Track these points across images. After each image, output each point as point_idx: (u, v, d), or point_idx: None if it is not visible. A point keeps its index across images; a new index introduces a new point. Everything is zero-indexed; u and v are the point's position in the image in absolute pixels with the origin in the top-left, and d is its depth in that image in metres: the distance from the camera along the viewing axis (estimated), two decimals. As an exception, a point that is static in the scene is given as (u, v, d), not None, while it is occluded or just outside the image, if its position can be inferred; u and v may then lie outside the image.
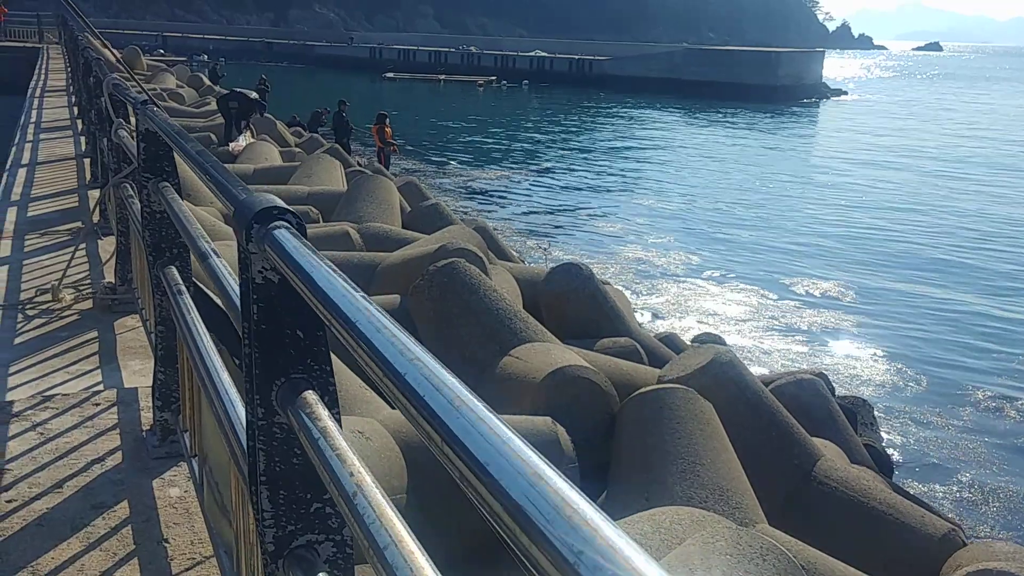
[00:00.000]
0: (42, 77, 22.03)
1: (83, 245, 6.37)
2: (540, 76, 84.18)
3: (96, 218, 7.16)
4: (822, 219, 27.14)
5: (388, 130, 22.01)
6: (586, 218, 25.68)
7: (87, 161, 9.78)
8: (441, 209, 11.92)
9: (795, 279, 20.60)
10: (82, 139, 11.22)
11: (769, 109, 64.80)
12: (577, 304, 10.53)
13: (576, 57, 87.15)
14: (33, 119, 13.70)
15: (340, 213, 11.87)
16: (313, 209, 11.96)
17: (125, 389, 3.85)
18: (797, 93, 75.24)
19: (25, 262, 5.90)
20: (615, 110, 62.41)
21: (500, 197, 27.17)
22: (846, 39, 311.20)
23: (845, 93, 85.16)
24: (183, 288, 3.35)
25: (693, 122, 56.26)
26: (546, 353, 7.20)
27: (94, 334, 4.63)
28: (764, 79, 73.58)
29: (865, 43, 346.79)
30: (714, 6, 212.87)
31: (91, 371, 4.13)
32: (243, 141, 16.68)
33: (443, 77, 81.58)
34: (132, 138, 4.23)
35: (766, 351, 16.34)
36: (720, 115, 60.27)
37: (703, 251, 22.79)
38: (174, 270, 3.48)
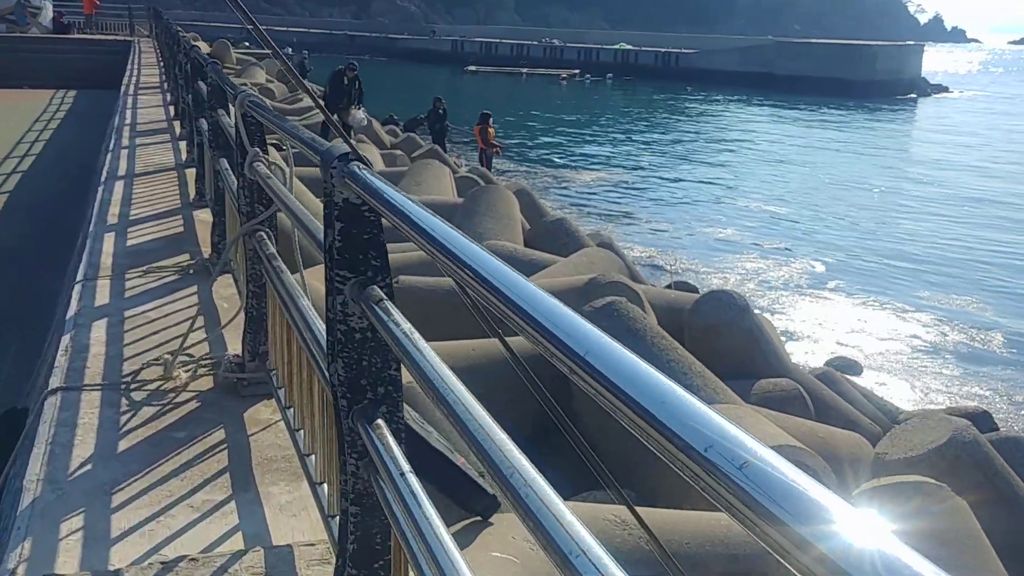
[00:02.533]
0: (134, 73, 21.35)
1: (195, 289, 5.25)
2: (625, 70, 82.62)
3: (207, 250, 6.05)
4: (943, 226, 25.22)
5: (491, 130, 20.83)
6: (692, 222, 24.19)
7: (189, 174, 8.73)
8: (568, 226, 10.68)
9: (927, 292, 18.89)
10: (182, 145, 10.21)
11: (866, 105, 62.10)
12: (730, 339, 9.22)
13: (662, 50, 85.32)
14: (128, 120, 12.80)
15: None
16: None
17: (274, 550, 2.66)
18: (895, 89, 72.29)
19: (127, 313, 4.78)
20: (704, 105, 60.46)
21: (597, 200, 25.80)
22: (938, 32, 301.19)
23: (946, 89, 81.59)
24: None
25: (787, 118, 53.98)
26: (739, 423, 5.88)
27: (219, 435, 3.47)
28: (861, 74, 70.93)
29: (958, 36, 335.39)
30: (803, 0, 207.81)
31: (221, 506, 2.95)
32: (363, 114, 16.59)
33: (525, 70, 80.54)
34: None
35: (912, 377, 14.76)
36: (815, 111, 57.82)
37: (823, 259, 21.18)
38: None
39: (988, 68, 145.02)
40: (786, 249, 22.06)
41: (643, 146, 39.09)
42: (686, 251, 20.59)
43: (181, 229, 6.65)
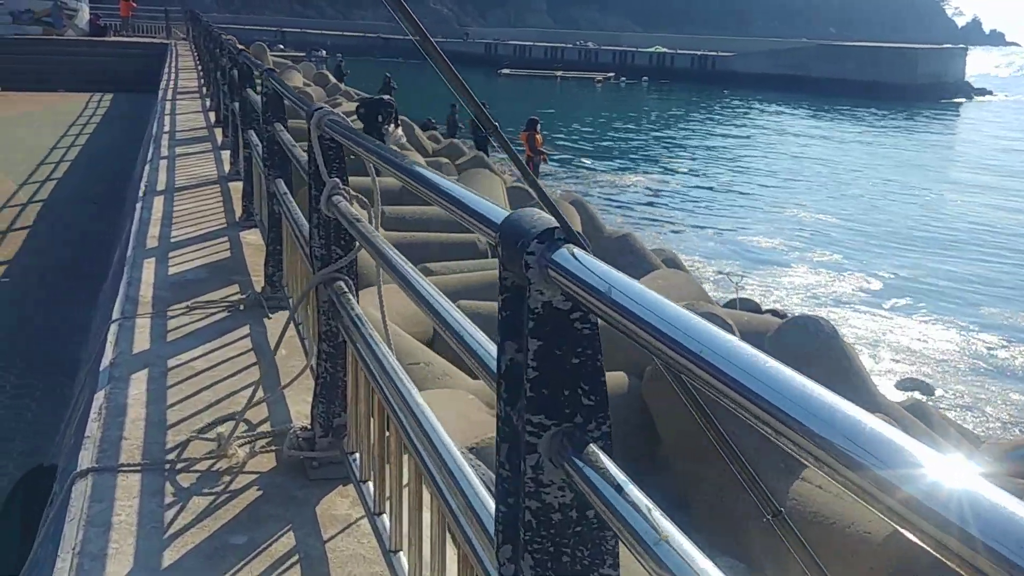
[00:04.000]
0: (172, 77, 20.83)
1: (246, 330, 4.54)
2: (660, 73, 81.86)
3: (257, 279, 5.35)
4: (1000, 238, 24.18)
5: (539, 137, 20.08)
6: (738, 231, 23.33)
7: (233, 188, 8.06)
8: (634, 243, 9.91)
9: (988, 309, 17.91)
10: (224, 156, 9.55)
11: (908, 109, 60.70)
12: (819, 369, 8.40)
13: (698, 53, 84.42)
14: (166, 127, 12.18)
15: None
16: (481, 240, 10.13)
17: None
18: (938, 93, 70.88)
19: (170, 362, 4.08)
20: (742, 109, 59.39)
21: (638, 206, 24.97)
22: (976, 35, 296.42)
23: (990, 93, 79.87)
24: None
25: (827, 122, 52.79)
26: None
27: (288, 541, 2.75)
28: (902, 77, 69.65)
29: (997, 39, 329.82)
30: (837, 0, 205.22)
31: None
32: (399, 131, 16.21)
33: (560, 73, 79.93)
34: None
35: (982, 401, 13.86)
36: (856, 115, 56.62)
37: (878, 272, 20.25)
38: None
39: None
40: (838, 261, 21.18)
41: (682, 150, 38.21)
42: (733, 261, 19.77)
43: (228, 254, 5.96)
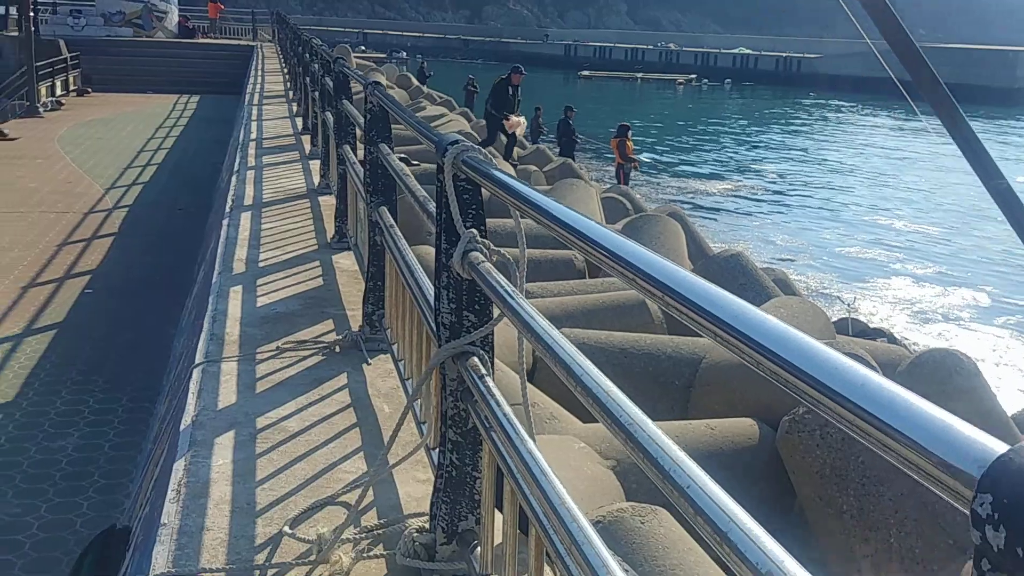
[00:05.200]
0: (258, 80, 20.64)
1: (344, 380, 3.99)
2: (743, 75, 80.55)
3: (353, 313, 4.80)
4: None
5: (630, 144, 19.33)
6: (832, 241, 22.28)
7: (323, 203, 7.57)
8: (745, 263, 9.15)
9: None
10: (313, 166, 9.09)
11: (1007, 113, 58.19)
12: (957, 409, 7.56)
13: (783, 55, 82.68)
14: (253, 133, 11.81)
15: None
16: (578, 257, 9.49)
17: None
18: (1038, 96, 68.01)
19: (258, 421, 3.54)
20: (829, 112, 57.66)
21: (727, 214, 24.02)
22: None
23: (1094, 96, 76.35)
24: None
25: (920, 127, 50.69)
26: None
27: None
28: (999, 81, 67.16)
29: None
30: (927, 1, 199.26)
31: None
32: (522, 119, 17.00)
33: (640, 75, 79.01)
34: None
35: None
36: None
37: (984, 288, 19.04)
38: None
39: None
40: (941, 274, 20.03)
41: (767, 155, 37.02)
42: (831, 274, 18.80)
43: (320, 282, 5.43)
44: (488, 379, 2.30)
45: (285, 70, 21.24)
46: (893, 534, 4.78)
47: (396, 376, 4.00)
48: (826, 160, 36.61)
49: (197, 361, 4.16)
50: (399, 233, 3.73)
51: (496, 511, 2.39)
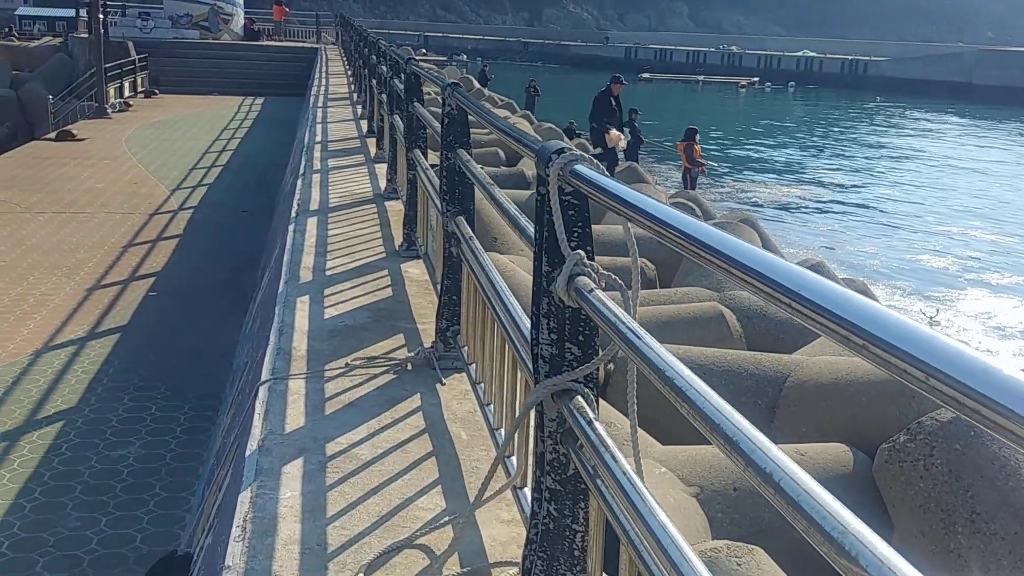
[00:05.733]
0: (322, 82, 20.62)
1: (417, 401, 3.73)
2: (807, 78, 79.26)
3: (425, 327, 4.55)
4: None
5: (697, 147, 18.89)
6: (903, 249, 21.57)
7: (390, 208, 7.35)
8: (828, 274, 8.73)
9: None
10: (379, 170, 8.89)
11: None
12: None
13: (849, 58, 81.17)
14: (318, 136, 11.67)
15: (687, 275, 8.96)
16: (648, 264, 9.16)
17: None
18: (1118, 101, 65.72)
19: (329, 450, 3.30)
20: (897, 117, 56.24)
21: (796, 221, 23.40)
22: None
23: None
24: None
25: (992, 133, 49.26)
26: None
27: None
28: (1073, 82, 64.93)
29: None
30: (994, 3, 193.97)
31: None
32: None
33: (702, 78, 78.22)
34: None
35: None
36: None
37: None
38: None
39: None
40: (1016, 285, 19.24)
41: (835, 160, 36.15)
42: (906, 283, 18.17)
43: (389, 292, 5.19)
44: (596, 423, 2.01)
45: (349, 72, 21.19)
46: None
47: (473, 397, 3.74)
48: (892, 165, 35.66)
49: (263, 378, 3.94)
50: (479, 246, 3.46)
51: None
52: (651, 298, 8.11)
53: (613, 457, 1.93)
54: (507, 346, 2.92)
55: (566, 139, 20.30)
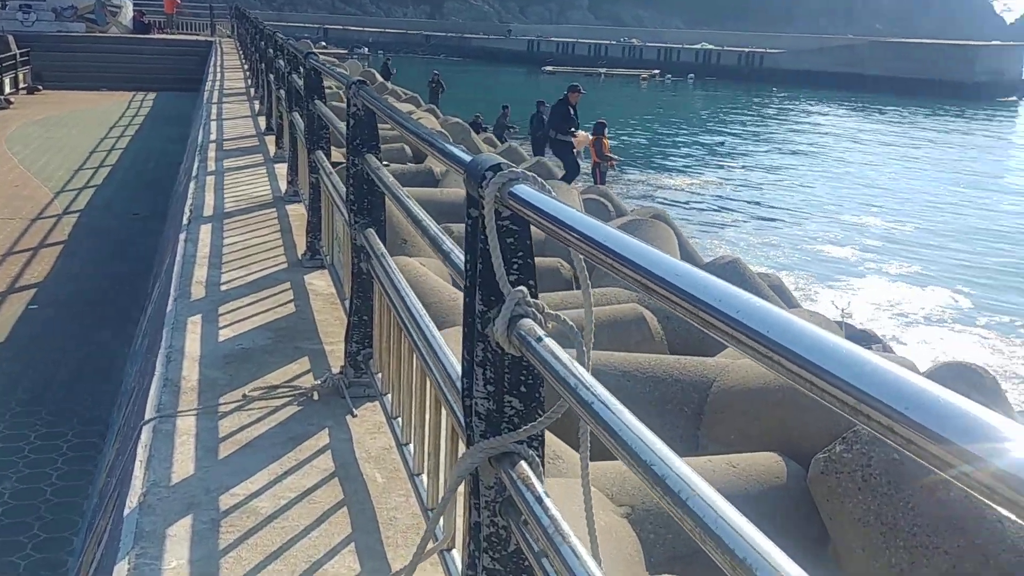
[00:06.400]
0: (217, 76, 19.76)
1: (325, 439, 3.32)
2: (706, 70, 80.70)
3: (333, 349, 4.13)
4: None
5: (606, 142, 18.71)
6: (804, 239, 21.93)
7: (292, 212, 6.87)
8: (743, 269, 8.58)
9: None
10: (279, 171, 8.37)
11: (967, 108, 58.64)
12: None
13: (746, 50, 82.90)
14: (212, 134, 11.02)
15: (605, 274, 8.70)
16: (564, 264, 8.87)
17: None
18: (995, 91, 68.81)
19: (223, 504, 2.86)
20: (793, 108, 57.62)
21: (700, 213, 23.56)
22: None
23: (1051, 91, 77.32)
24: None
25: (884, 123, 50.83)
26: None
27: None
28: (958, 76, 67.74)
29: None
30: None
31: None
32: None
33: (604, 71, 78.80)
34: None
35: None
36: (913, 115, 54.62)
37: (963, 287, 18.77)
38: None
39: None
40: (917, 274, 19.73)
41: (736, 152, 36.70)
42: (806, 275, 18.42)
43: (292, 308, 4.74)
44: (544, 496, 1.65)
45: (246, 67, 20.38)
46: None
47: (388, 430, 3.35)
48: (790, 156, 36.36)
49: (148, 416, 3.47)
50: (393, 266, 3.06)
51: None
52: (569, 300, 7.81)
53: (564, 537, 1.58)
54: (428, 381, 2.54)
55: (473, 133, 19.92)
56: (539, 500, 1.65)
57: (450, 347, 2.52)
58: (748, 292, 1.10)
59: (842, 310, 11.64)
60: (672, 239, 8.73)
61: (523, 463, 1.74)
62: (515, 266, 1.72)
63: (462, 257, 1.94)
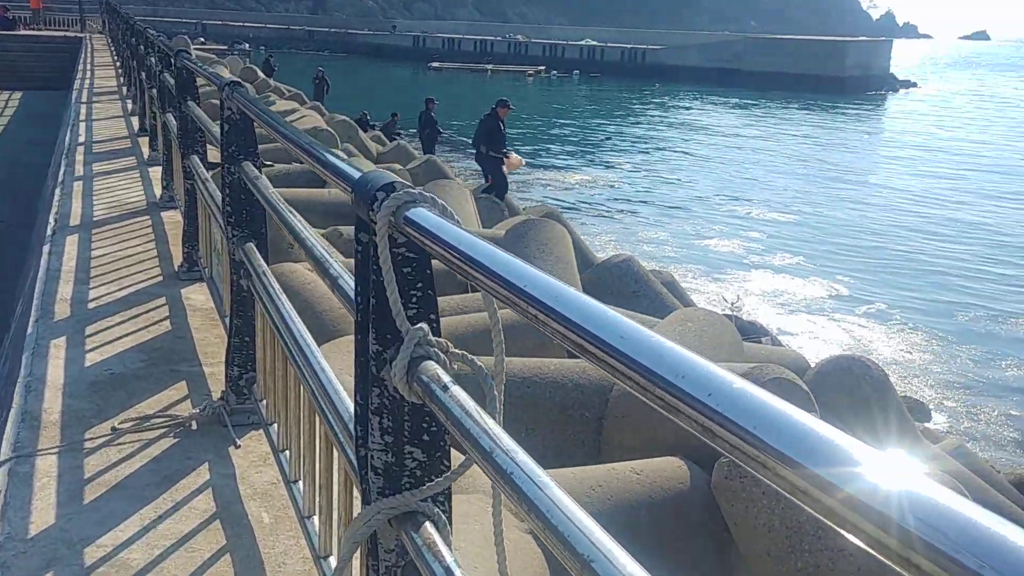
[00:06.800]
0: (87, 74, 18.79)
1: (205, 476, 3.03)
2: (591, 66, 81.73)
3: (213, 371, 3.82)
4: (968, 232, 23.61)
5: (497, 139, 18.50)
6: (691, 233, 22.36)
7: (167, 219, 6.46)
8: (636, 268, 8.53)
9: (972, 316, 17.15)
10: (153, 174, 7.89)
11: (838, 102, 60.98)
12: (868, 420, 7.27)
13: (628, 46, 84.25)
14: (81, 136, 10.38)
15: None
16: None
17: None
18: (865, 85, 71.89)
19: (87, 558, 2.56)
20: (674, 102, 58.95)
21: (589, 209, 23.72)
22: (891, 28, 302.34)
23: (915, 85, 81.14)
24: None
25: (761, 116, 52.39)
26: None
27: None
28: (832, 70, 70.46)
29: (910, 31, 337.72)
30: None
31: None
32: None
33: (491, 67, 78.99)
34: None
35: (979, 416, 12.99)
36: (787, 108, 56.53)
37: (845, 276, 19.45)
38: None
39: (942, 63, 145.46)
40: (799, 265, 20.31)
41: (623, 147, 37.15)
42: (694, 269, 18.73)
43: (168, 326, 4.40)
44: (453, 566, 1.44)
45: (118, 64, 19.45)
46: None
47: (274, 461, 3.08)
48: (672, 150, 37.03)
49: (4, 456, 3.12)
50: (276, 286, 2.79)
51: None
52: (462, 304, 7.60)
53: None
54: (318, 417, 2.30)
55: (360, 131, 19.48)
56: (448, 571, 1.44)
57: (343, 371, 2.29)
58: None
59: (731, 303, 11.79)
60: (567, 239, 8.62)
61: (428, 524, 1.53)
62: (414, 299, 1.50)
63: (352, 283, 1.72)
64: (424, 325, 1.47)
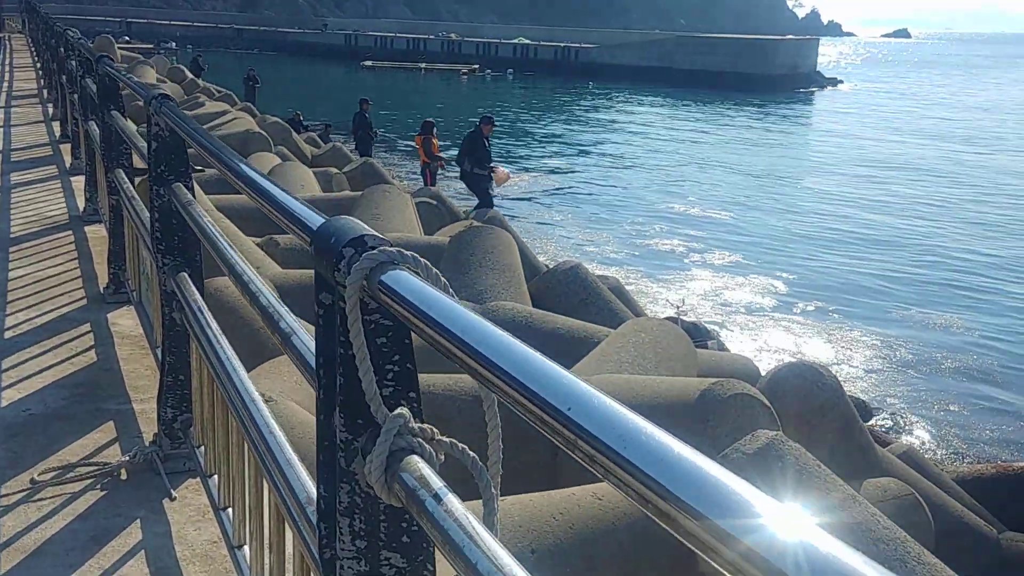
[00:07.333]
0: (5, 77, 17.99)
1: (137, 536, 2.72)
2: (524, 65, 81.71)
3: (143, 408, 3.49)
4: (897, 229, 23.96)
5: (435, 141, 18.22)
6: (632, 233, 22.29)
7: (91, 234, 6.05)
8: (584, 275, 8.33)
9: (897, 308, 17.37)
10: (76, 184, 7.44)
11: (767, 99, 61.86)
12: (823, 430, 7.19)
13: (561, 45, 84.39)
14: (-3, 143, 9.84)
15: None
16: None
17: None
18: (793, 83, 73.16)
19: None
20: (608, 101, 59.16)
21: (522, 206, 23.54)
22: (816, 26, 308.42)
23: (841, 82, 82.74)
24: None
25: (694, 114, 52.84)
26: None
27: None
28: (761, 68, 71.42)
29: (834, 30, 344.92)
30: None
31: None
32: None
33: (424, 66, 78.47)
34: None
35: (932, 422, 13.07)
36: (718, 106, 57.13)
37: (783, 274, 19.56)
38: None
39: (866, 61, 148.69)
40: (738, 263, 20.39)
41: (559, 147, 37.07)
42: (638, 271, 18.67)
43: (93, 357, 4.04)
44: None
45: (39, 66, 18.67)
46: None
47: (213, 516, 2.77)
48: (608, 149, 37.05)
49: (-98, 518, 2.76)
50: (215, 326, 2.48)
51: None
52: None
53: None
54: (267, 485, 2.01)
55: (294, 133, 18.99)
56: None
57: (284, 394, 2.00)
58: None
59: (677, 307, 11.68)
60: (513, 247, 8.39)
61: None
62: (390, 375, 1.24)
63: (308, 344, 1.44)
64: (404, 410, 1.20)
